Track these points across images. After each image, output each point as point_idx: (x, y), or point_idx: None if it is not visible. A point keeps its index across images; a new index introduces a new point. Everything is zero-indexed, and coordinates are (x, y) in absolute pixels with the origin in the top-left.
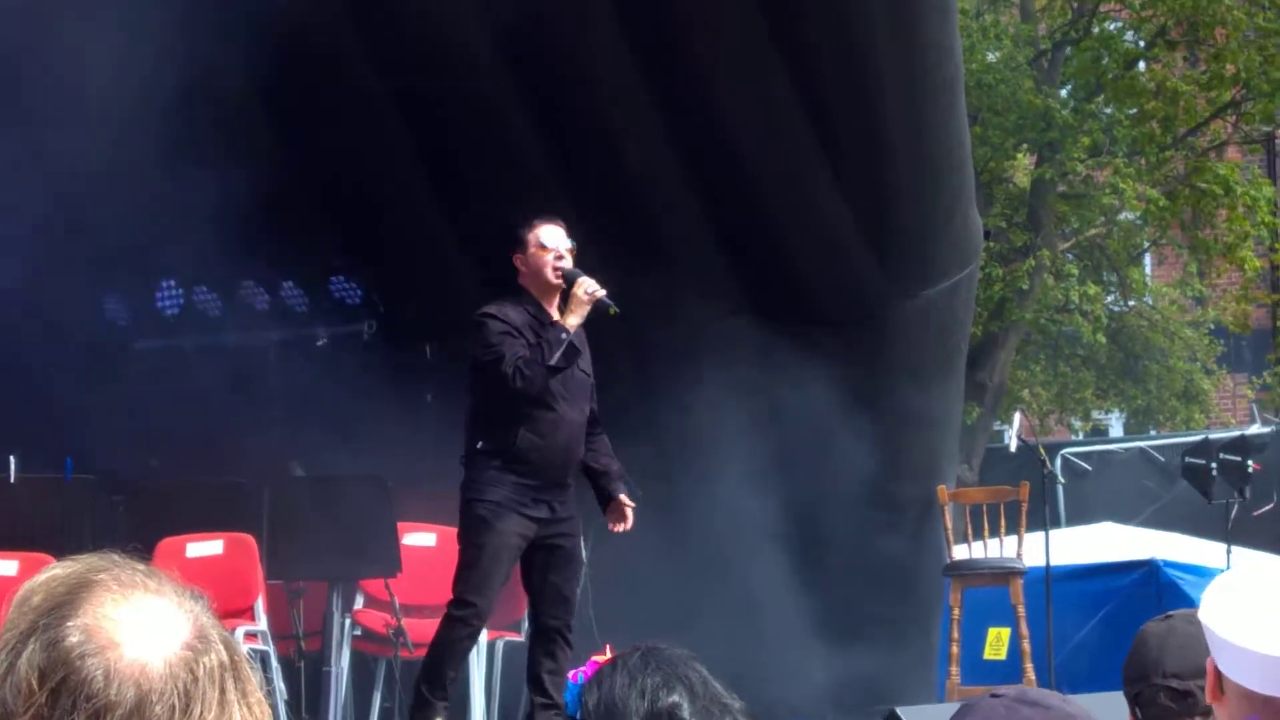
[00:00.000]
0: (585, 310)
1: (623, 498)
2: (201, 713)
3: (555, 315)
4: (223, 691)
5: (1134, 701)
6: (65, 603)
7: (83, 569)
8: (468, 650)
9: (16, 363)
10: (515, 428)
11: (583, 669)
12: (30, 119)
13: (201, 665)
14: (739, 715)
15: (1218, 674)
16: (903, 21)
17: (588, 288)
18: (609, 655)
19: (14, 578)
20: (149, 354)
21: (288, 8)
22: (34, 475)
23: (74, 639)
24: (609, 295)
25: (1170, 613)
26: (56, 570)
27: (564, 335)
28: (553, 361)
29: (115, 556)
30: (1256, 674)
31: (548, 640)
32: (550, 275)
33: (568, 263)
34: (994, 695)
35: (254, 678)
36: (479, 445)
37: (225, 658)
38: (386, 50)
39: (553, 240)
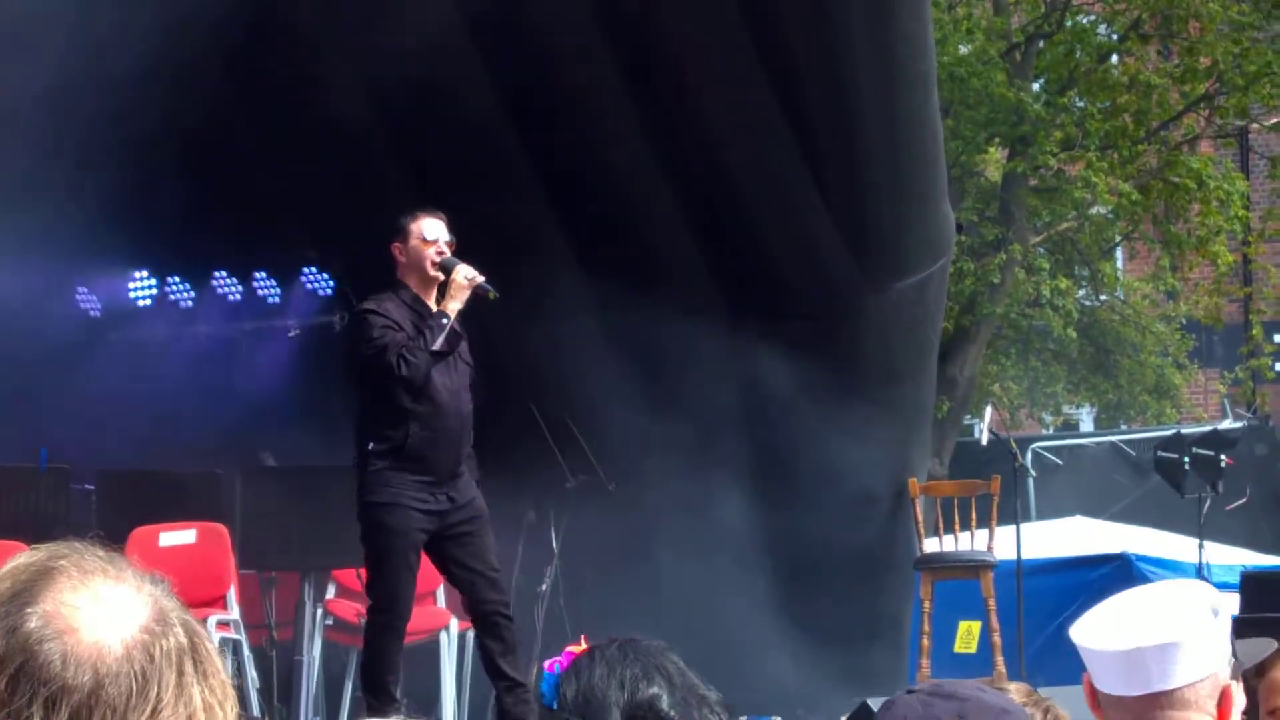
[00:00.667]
0: (465, 295)
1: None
2: (159, 694)
3: (434, 307)
4: (180, 674)
5: None
6: (25, 590)
7: (44, 557)
8: (398, 651)
9: None
10: (404, 425)
11: (558, 659)
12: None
13: (159, 647)
14: (715, 707)
15: (1093, 688)
16: (878, 16)
17: (466, 273)
18: (585, 646)
19: None
20: (122, 345)
21: None
22: (8, 465)
23: (32, 624)
24: (486, 281)
25: None
26: (20, 559)
27: (445, 320)
28: (435, 346)
29: (77, 544)
30: (1107, 673)
31: (490, 625)
32: (429, 268)
33: (445, 255)
34: (909, 691)
35: (216, 660)
36: (370, 446)
37: (184, 640)
38: (358, 38)
39: (434, 233)
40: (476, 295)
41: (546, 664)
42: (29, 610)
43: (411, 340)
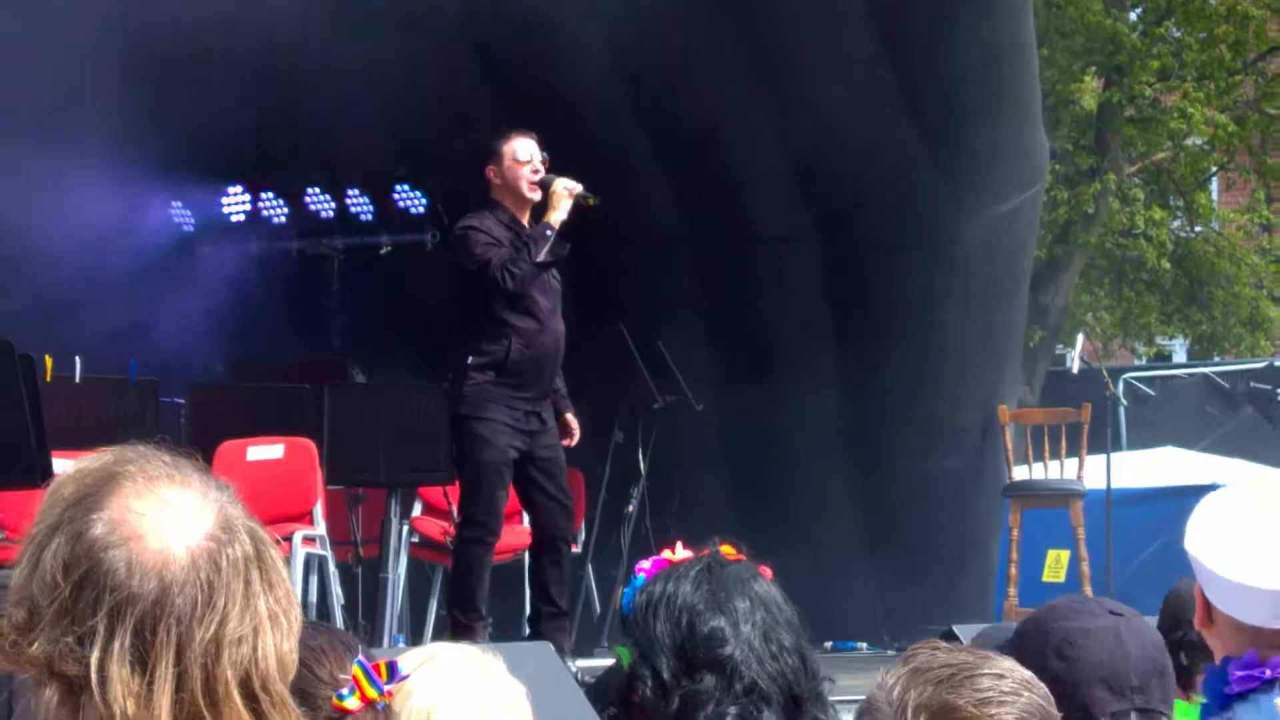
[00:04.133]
0: (567, 205)
1: (569, 416)
2: (226, 604)
3: (529, 227)
4: (247, 583)
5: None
6: (90, 495)
7: (110, 461)
8: (487, 567)
9: (85, 266)
10: (505, 340)
11: (649, 564)
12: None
13: (225, 556)
14: (790, 647)
15: (1206, 603)
16: None
17: (566, 184)
18: (676, 554)
19: None
20: (214, 259)
21: None
22: (98, 376)
23: (98, 531)
24: (586, 188)
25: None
26: (86, 463)
27: (549, 231)
28: (540, 257)
29: (143, 448)
30: (1250, 607)
31: (554, 550)
32: (526, 188)
33: (540, 175)
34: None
35: (281, 568)
36: (469, 360)
37: (250, 548)
38: None
39: (527, 152)
40: (577, 204)
41: (637, 567)
42: (94, 516)
43: (514, 255)
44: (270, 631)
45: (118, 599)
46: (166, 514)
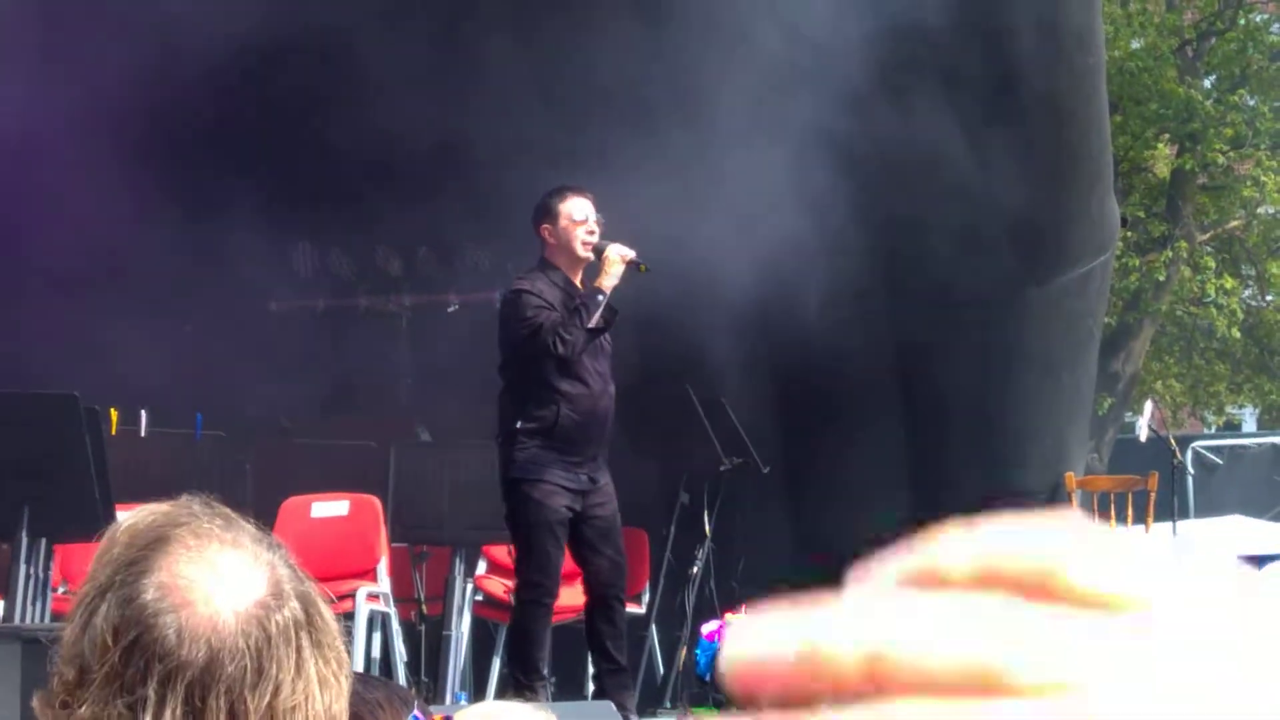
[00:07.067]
0: (619, 271)
1: None
2: (278, 673)
3: (580, 287)
4: (298, 649)
5: None
6: (141, 558)
7: (161, 521)
8: (546, 628)
9: (153, 319)
10: (554, 405)
11: (715, 628)
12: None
13: (274, 622)
14: None
15: None
16: (1047, 6)
17: (620, 250)
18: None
19: None
20: (283, 315)
21: None
22: (164, 430)
23: (148, 596)
24: (638, 255)
25: None
26: (137, 519)
27: (601, 297)
28: (591, 323)
29: (195, 505)
30: None
31: (606, 608)
32: (580, 249)
33: (596, 236)
34: None
35: (332, 626)
36: (518, 425)
37: (300, 613)
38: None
39: (583, 212)
40: (629, 270)
41: (705, 632)
42: (145, 581)
43: (565, 320)
44: (320, 696)
45: (168, 667)
46: (216, 579)
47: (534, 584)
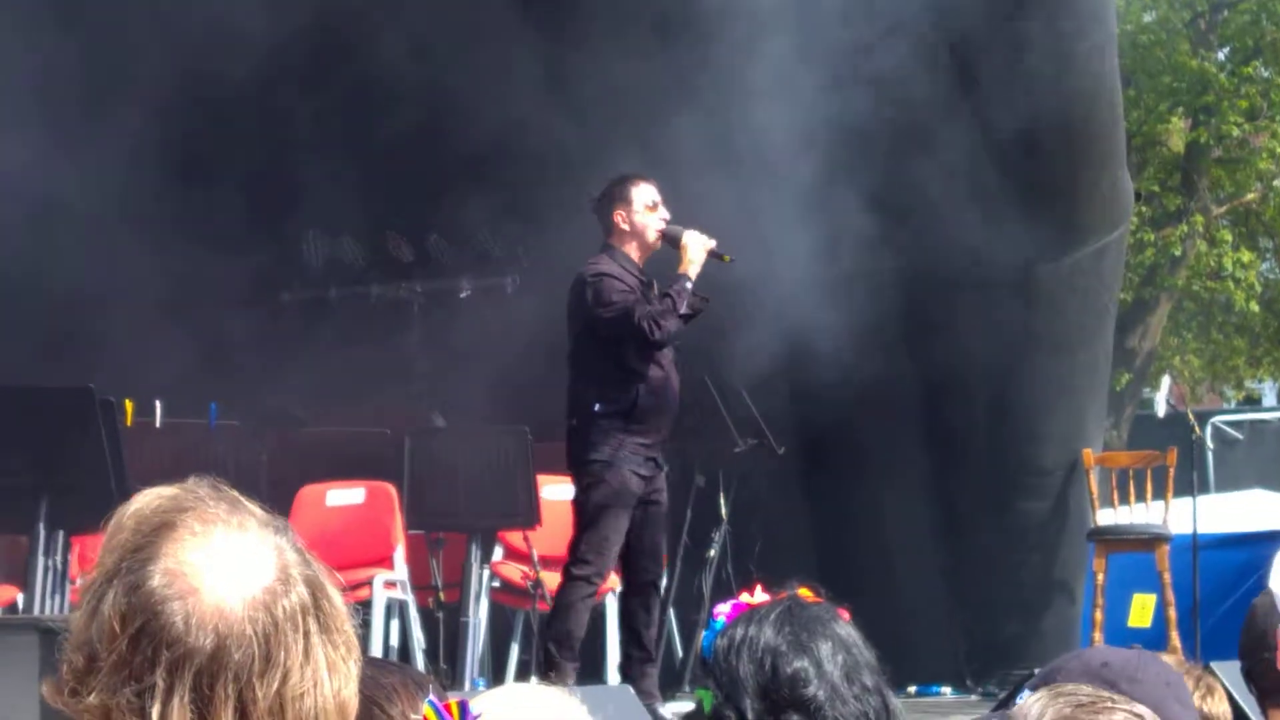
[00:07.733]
0: (702, 260)
1: None
2: (285, 659)
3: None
4: (306, 634)
5: (1248, 676)
6: (147, 544)
7: (166, 505)
8: (588, 608)
9: (166, 310)
10: (634, 387)
11: (728, 608)
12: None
13: (281, 608)
14: (870, 688)
15: None
16: None
17: (703, 240)
18: (756, 598)
19: None
20: (294, 304)
21: None
22: (178, 420)
23: (155, 583)
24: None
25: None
26: (142, 504)
27: (688, 284)
28: (684, 310)
29: (201, 489)
30: None
31: (645, 595)
32: (653, 235)
33: (668, 220)
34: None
35: (340, 609)
36: (597, 408)
37: (307, 597)
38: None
39: (655, 198)
40: (710, 259)
41: (715, 610)
42: (151, 567)
43: (659, 307)
44: (329, 681)
45: (176, 654)
46: (222, 565)
47: (586, 562)
